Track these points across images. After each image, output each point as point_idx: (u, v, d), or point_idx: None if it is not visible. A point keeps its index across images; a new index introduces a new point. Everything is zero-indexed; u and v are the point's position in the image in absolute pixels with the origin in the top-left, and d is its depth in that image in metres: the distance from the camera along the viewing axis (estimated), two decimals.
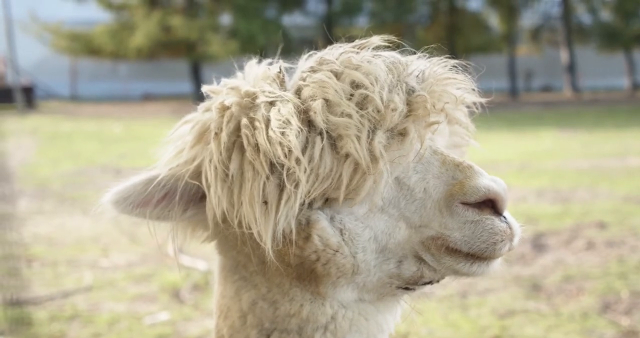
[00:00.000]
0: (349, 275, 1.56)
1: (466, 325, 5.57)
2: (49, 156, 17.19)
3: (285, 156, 1.45)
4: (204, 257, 7.56)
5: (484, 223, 1.54)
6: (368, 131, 1.49)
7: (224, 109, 1.59)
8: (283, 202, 1.47)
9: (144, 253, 7.86)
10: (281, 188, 1.48)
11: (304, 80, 1.58)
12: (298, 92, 1.57)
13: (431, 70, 1.63)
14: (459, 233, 1.55)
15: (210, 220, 1.62)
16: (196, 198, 1.67)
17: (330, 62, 1.58)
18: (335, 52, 1.64)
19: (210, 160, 1.56)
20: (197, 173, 1.63)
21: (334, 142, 1.49)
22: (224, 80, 1.77)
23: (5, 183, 12.98)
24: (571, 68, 45.80)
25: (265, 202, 1.49)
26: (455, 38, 42.03)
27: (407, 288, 1.64)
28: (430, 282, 1.64)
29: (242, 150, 1.53)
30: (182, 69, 40.86)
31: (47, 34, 38.92)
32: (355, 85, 1.54)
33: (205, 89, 1.77)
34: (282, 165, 1.47)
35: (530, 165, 14.24)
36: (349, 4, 41.89)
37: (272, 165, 1.48)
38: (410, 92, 1.56)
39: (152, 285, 6.71)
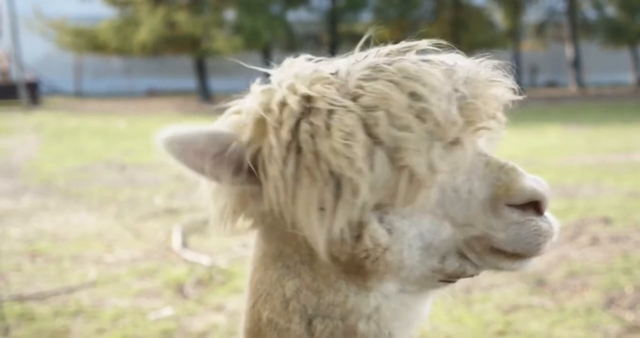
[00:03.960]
0: (395, 270, 1.59)
1: (470, 321, 5.57)
2: (54, 152, 17.21)
3: (348, 167, 1.46)
4: (207, 252, 7.58)
5: (529, 225, 1.57)
6: (427, 144, 1.50)
7: (283, 105, 1.55)
8: (340, 209, 1.49)
9: (148, 249, 7.88)
10: (338, 196, 1.49)
11: (361, 88, 1.55)
12: (355, 100, 1.54)
13: (474, 72, 1.63)
14: (504, 234, 1.57)
15: (264, 209, 1.58)
16: (246, 168, 1.58)
17: (387, 70, 1.56)
18: (386, 58, 1.62)
19: (269, 152, 1.52)
20: (253, 153, 1.56)
21: (391, 153, 1.49)
22: (272, 75, 1.70)
23: (10, 179, 13.00)
24: (576, 63, 45.64)
25: (322, 209, 1.49)
26: (460, 34, 41.91)
27: (448, 281, 1.68)
28: (471, 275, 1.68)
29: (298, 153, 1.51)
30: (187, 65, 40.88)
31: (51, 30, 38.93)
32: (415, 97, 1.53)
33: (257, 86, 1.69)
34: (341, 175, 1.48)
35: (535, 161, 14.21)
36: None
37: (330, 174, 1.48)
38: (461, 99, 1.56)
39: (156, 281, 6.73)
